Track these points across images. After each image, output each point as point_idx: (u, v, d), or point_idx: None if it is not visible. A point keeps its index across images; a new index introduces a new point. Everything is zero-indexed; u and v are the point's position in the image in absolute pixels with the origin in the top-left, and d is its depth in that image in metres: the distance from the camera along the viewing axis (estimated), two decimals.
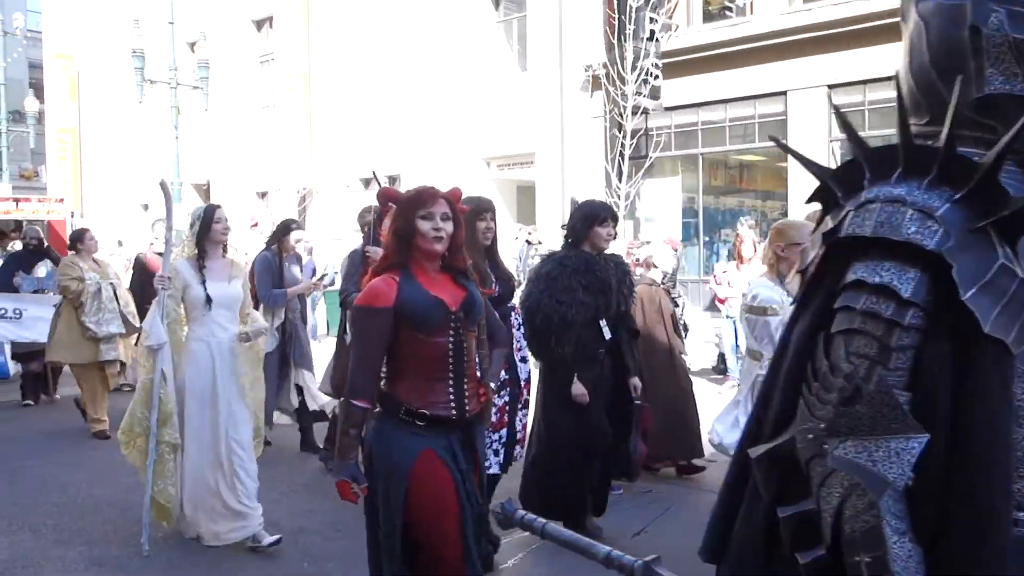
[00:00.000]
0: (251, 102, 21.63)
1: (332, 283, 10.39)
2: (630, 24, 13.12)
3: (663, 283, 6.26)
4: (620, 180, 13.71)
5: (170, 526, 4.62)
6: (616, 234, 4.61)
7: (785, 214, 13.62)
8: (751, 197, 15.03)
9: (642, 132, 13.92)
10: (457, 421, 2.72)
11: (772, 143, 13.66)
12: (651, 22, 13.25)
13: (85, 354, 7.27)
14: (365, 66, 18.80)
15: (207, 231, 4.59)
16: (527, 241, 12.13)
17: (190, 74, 17.73)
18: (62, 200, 20.32)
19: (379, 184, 4.56)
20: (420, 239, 2.71)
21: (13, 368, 9.32)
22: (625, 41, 13.17)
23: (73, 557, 4.41)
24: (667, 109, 14.09)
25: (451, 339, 2.71)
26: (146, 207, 23.42)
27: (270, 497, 5.43)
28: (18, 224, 15.76)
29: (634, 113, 13.41)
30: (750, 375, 3.88)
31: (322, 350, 8.58)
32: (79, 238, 7.66)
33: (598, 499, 4.57)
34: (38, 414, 8.49)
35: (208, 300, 4.46)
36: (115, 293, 7.44)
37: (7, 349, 9.16)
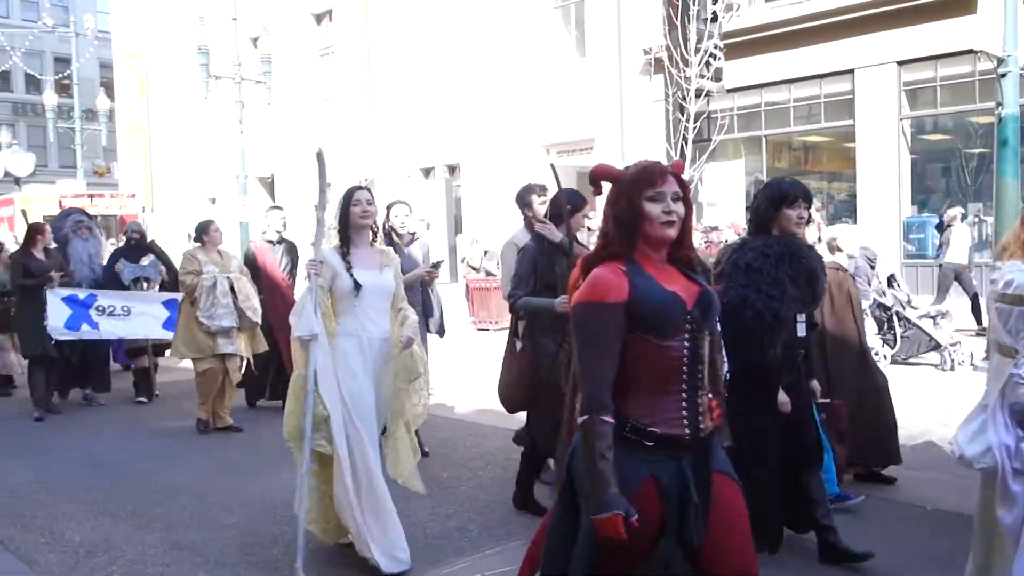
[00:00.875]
0: (312, 95, 21.92)
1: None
2: (692, 5, 12.90)
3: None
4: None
5: (330, 542, 4.25)
6: (809, 216, 4.07)
7: (853, 196, 13.30)
8: (817, 179, 14.69)
9: (704, 115, 13.70)
10: (690, 441, 2.31)
11: (839, 123, 13.33)
12: (713, 2, 13.02)
13: (202, 348, 7.12)
14: (423, 56, 18.88)
15: (347, 215, 4.16)
16: (588, 228, 12.04)
17: (253, 69, 18.02)
18: (133, 195, 21.02)
19: (558, 181, 4.47)
20: (648, 224, 2.32)
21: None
22: (688, 23, 12.96)
23: (152, 541, 4.53)
24: (729, 91, 13.85)
25: (686, 343, 2.30)
26: (213, 200, 23.95)
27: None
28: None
29: (696, 96, 13.20)
30: (1000, 375, 3.23)
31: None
32: (204, 230, 7.42)
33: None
34: (117, 406, 8.76)
35: (357, 287, 3.99)
36: (232, 287, 7.18)
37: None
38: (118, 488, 5.56)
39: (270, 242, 8.11)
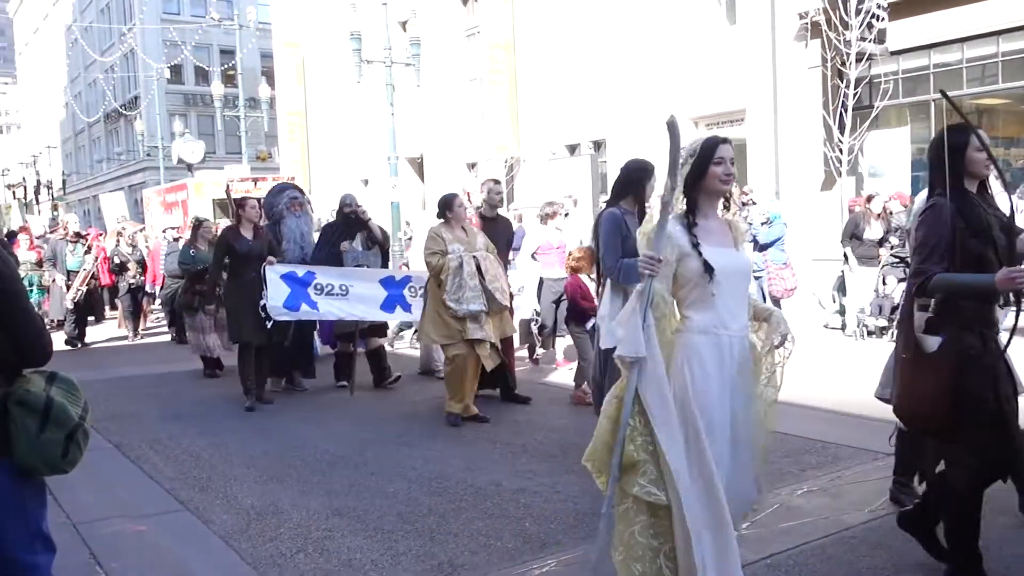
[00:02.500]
0: (459, 75, 22.24)
1: None
2: None
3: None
4: (842, 133, 12.84)
5: None
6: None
7: None
8: (992, 145, 13.58)
9: (866, 80, 12.93)
10: None
11: (1018, 84, 12.29)
12: None
13: (451, 332, 6.56)
14: (568, 31, 18.77)
15: (702, 175, 3.15)
16: (743, 203, 11.66)
17: (402, 52, 18.45)
18: (293, 178, 21.92)
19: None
20: None
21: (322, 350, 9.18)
22: None
23: (315, 507, 4.75)
24: (894, 53, 12.99)
25: None
26: (365, 182, 24.79)
27: (491, 458, 5.61)
28: (258, 200, 17.17)
29: (858, 60, 12.47)
30: None
31: None
32: (447, 205, 6.73)
33: None
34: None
35: (708, 270, 3.02)
36: (478, 267, 6.53)
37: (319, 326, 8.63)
38: (284, 455, 5.87)
39: (483, 217, 7.52)
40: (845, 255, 10.41)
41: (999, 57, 12.45)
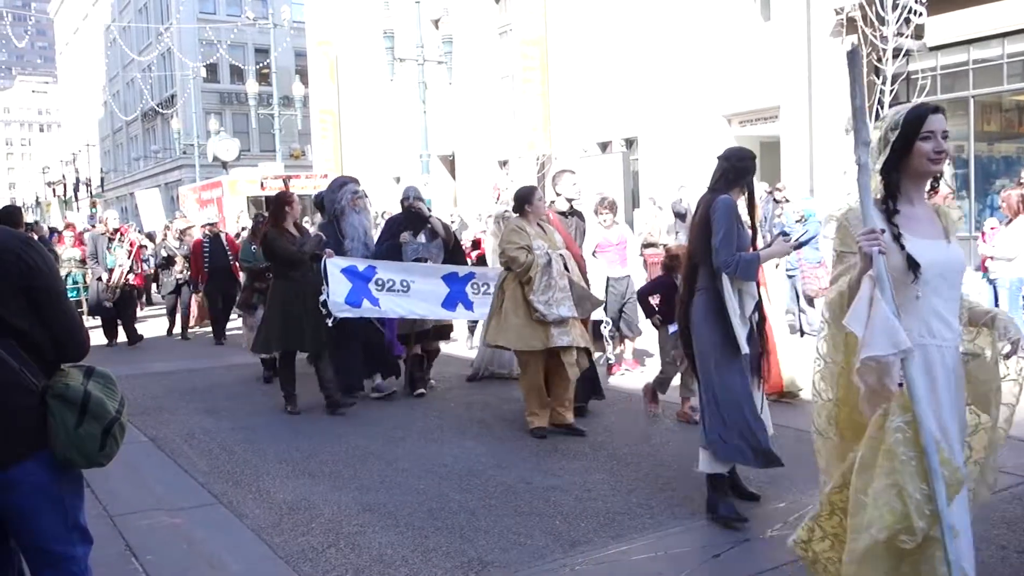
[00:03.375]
0: (491, 73, 22.26)
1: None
2: None
3: None
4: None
5: None
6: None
7: None
8: None
9: (903, 76, 12.74)
10: None
11: None
12: None
13: (533, 339, 5.82)
14: (600, 28, 18.70)
15: (906, 153, 2.63)
16: (774, 200, 11.55)
17: (435, 50, 18.52)
18: (326, 176, 22.13)
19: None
20: None
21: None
22: None
23: (346, 502, 4.78)
24: (931, 49, 12.79)
25: None
26: (397, 179, 24.90)
27: (522, 455, 5.61)
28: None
29: (894, 56, 12.30)
30: None
31: None
32: (526, 199, 6.05)
33: None
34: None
35: (913, 267, 2.55)
36: (565, 266, 5.97)
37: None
38: (316, 450, 5.91)
39: (562, 213, 6.80)
40: None
41: None
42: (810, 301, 9.78)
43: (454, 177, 24.09)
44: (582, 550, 3.98)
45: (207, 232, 11.82)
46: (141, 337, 11.95)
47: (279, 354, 7.19)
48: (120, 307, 11.78)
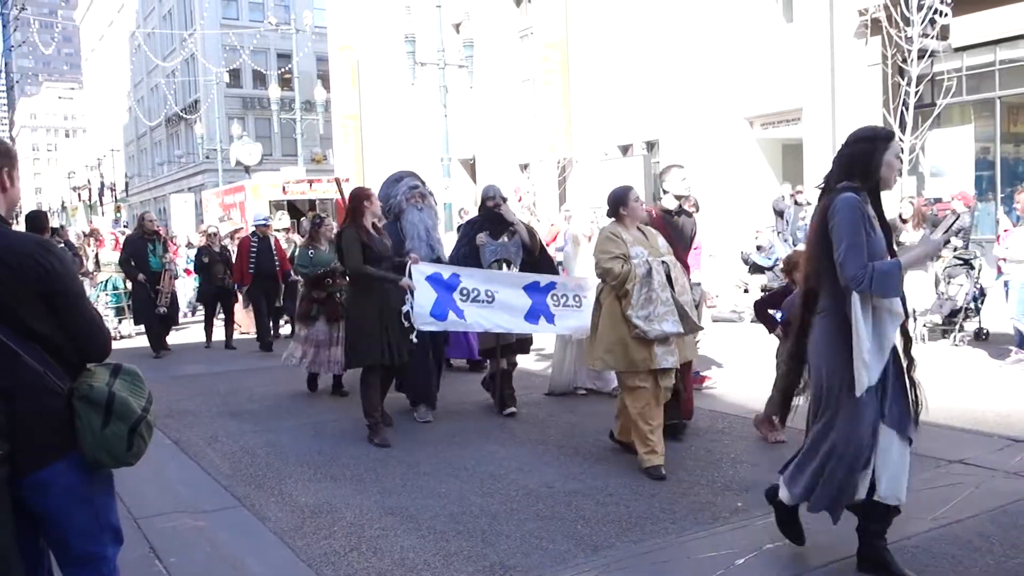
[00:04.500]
0: (512, 77, 22.28)
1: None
2: None
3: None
4: (903, 132, 12.56)
5: None
6: None
7: None
8: None
9: (928, 77, 12.62)
10: None
11: None
12: None
13: (632, 359, 5.12)
14: (621, 31, 18.66)
15: None
16: (795, 202, 11.47)
17: (456, 54, 18.56)
18: (347, 179, 22.19)
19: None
20: None
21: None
22: None
23: (368, 505, 4.78)
24: (957, 50, 12.67)
25: None
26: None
27: (544, 459, 5.60)
28: (312, 204, 17.39)
29: (920, 57, 12.19)
30: None
31: None
32: (621, 200, 5.32)
33: None
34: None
35: None
36: (668, 276, 5.18)
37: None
38: (338, 454, 5.92)
39: (668, 212, 6.04)
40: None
41: None
42: None
43: (475, 181, 24.11)
44: (604, 554, 3.96)
45: (258, 233, 11.22)
46: (169, 349, 11.35)
47: (362, 372, 6.25)
48: (167, 314, 11.18)
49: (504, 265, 6.81)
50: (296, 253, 8.59)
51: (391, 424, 6.52)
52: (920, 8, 12.06)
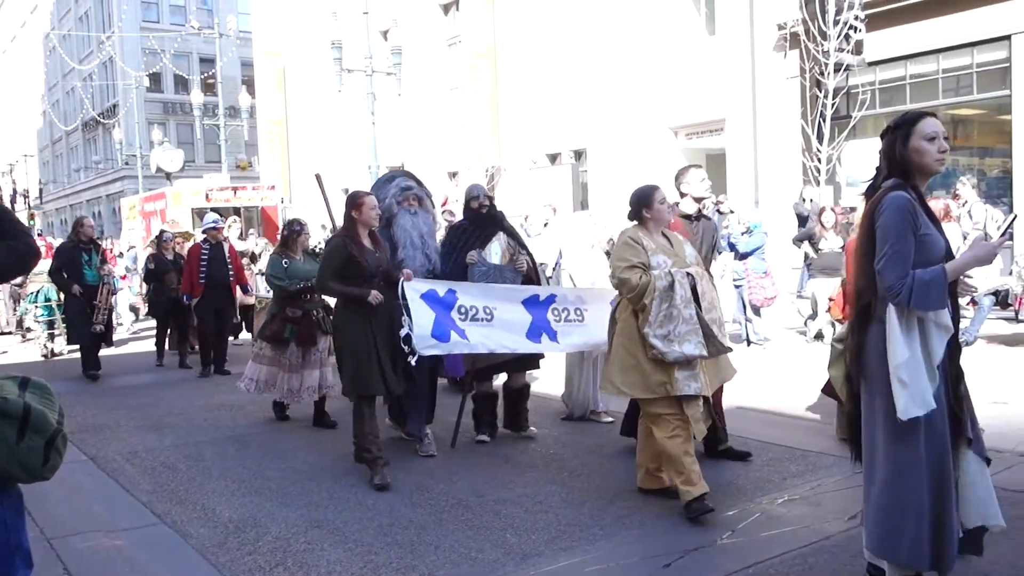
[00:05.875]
0: (440, 84, 22.27)
1: None
2: None
3: None
4: (820, 143, 12.97)
5: None
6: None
7: (1008, 172, 12.41)
8: (967, 155, 13.78)
9: (843, 90, 13.07)
10: None
11: (993, 94, 12.42)
12: None
13: (647, 382, 4.48)
14: (549, 41, 18.83)
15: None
16: (718, 211, 11.73)
17: (384, 61, 18.46)
18: (273, 187, 21.95)
19: None
20: None
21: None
22: None
23: (294, 519, 4.70)
24: (871, 64, 13.16)
25: None
26: (346, 190, 24.66)
27: (473, 468, 5.59)
28: (237, 211, 17.07)
29: (835, 70, 12.62)
30: None
31: None
32: (646, 202, 4.66)
33: None
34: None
35: None
36: (694, 291, 4.52)
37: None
38: (263, 467, 5.81)
39: (687, 217, 5.49)
40: (806, 255, 10.50)
41: (973, 68, 12.63)
42: (756, 311, 9.93)
43: None
44: (533, 563, 3.97)
45: (209, 238, 10.05)
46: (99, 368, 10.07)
47: (355, 401, 5.48)
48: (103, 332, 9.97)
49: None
50: (268, 263, 7.52)
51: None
52: (836, 23, 12.48)
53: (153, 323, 11.75)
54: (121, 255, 16.90)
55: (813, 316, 10.15)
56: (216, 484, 5.44)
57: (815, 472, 5.18)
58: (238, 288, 10.28)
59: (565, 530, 4.37)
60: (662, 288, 4.42)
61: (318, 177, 7.17)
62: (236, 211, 17.05)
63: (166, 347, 11.06)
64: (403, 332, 5.38)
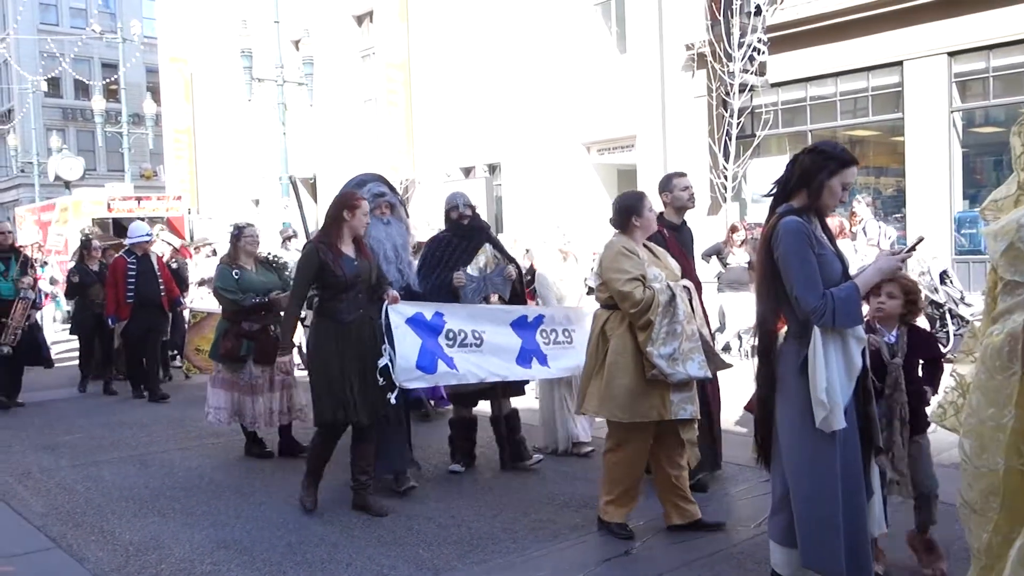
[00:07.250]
0: (353, 96, 22.06)
1: None
2: None
3: None
4: (727, 160, 13.36)
5: None
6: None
7: (902, 191, 13.00)
8: (864, 174, 14.37)
9: (748, 110, 13.50)
10: None
11: (887, 117, 13.03)
12: None
13: (645, 408, 4.14)
14: (463, 55, 18.89)
15: None
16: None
17: (295, 71, 18.19)
18: (179, 197, 21.30)
19: None
20: None
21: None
22: (731, 17, 12.78)
23: (199, 539, 4.55)
24: (774, 85, 13.62)
25: None
26: (256, 202, 24.21)
27: (382, 483, 5.51)
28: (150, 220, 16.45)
29: (740, 91, 13.02)
30: None
31: None
32: (633, 209, 4.35)
33: None
34: (167, 403, 8.87)
35: None
36: (691, 305, 4.29)
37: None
38: (166, 486, 5.62)
39: (673, 226, 5.23)
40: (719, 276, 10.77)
41: (869, 92, 13.21)
42: None
43: (316, 200, 23.65)
44: None
45: (136, 251, 9.11)
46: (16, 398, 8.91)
47: (318, 428, 4.98)
48: (20, 353, 8.64)
49: (486, 301, 5.63)
50: (216, 274, 6.54)
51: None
52: (740, 46, 12.88)
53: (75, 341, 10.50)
54: (45, 264, 15.96)
55: (721, 329, 10.41)
56: (116, 505, 5.23)
57: (721, 481, 5.30)
58: (168, 303, 9.39)
59: (478, 544, 4.36)
60: (664, 302, 4.11)
61: (293, 180, 6.82)
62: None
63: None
64: (382, 362, 4.78)
